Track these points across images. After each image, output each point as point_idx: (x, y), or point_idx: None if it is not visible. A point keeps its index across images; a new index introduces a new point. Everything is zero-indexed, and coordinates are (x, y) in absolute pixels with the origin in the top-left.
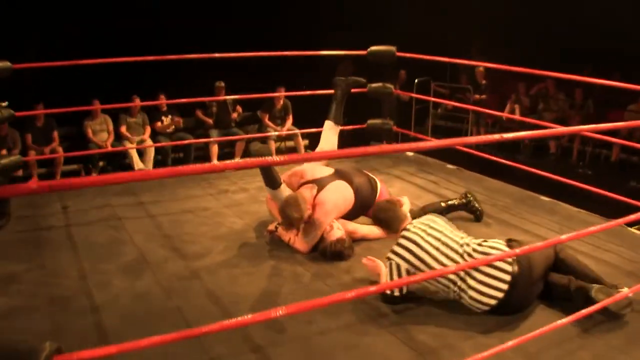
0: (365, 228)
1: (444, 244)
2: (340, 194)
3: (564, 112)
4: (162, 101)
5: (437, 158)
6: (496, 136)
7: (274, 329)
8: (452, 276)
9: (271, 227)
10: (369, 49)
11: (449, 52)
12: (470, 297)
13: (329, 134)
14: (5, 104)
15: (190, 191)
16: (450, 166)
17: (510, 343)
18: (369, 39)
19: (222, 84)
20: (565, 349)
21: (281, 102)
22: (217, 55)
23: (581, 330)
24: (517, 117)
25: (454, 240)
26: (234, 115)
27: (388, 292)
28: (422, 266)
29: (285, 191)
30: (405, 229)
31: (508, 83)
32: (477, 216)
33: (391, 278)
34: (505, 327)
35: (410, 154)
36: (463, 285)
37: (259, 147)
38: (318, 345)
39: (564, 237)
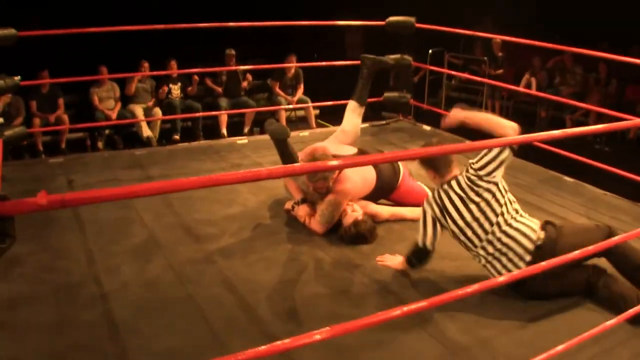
0: (388, 210)
1: (480, 210)
2: (360, 175)
3: (581, 86)
4: (173, 71)
5: (454, 133)
6: (561, 132)
7: (295, 322)
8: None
9: (288, 205)
10: (387, 20)
11: (462, 23)
12: (492, 264)
13: (352, 116)
14: (18, 78)
15: (202, 165)
16: (469, 142)
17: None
18: (382, 8)
19: (233, 52)
20: (602, 345)
21: (292, 70)
22: (230, 24)
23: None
24: (533, 92)
25: (491, 211)
26: (244, 84)
27: (420, 243)
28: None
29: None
30: (448, 184)
31: (524, 56)
32: None
33: (423, 228)
34: (541, 321)
35: (427, 128)
36: (489, 248)
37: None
38: (344, 342)
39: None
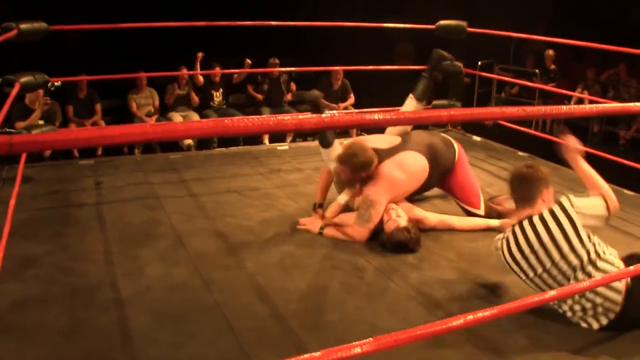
0: (436, 217)
1: (561, 254)
2: (402, 170)
3: (636, 100)
4: (213, 71)
5: (504, 144)
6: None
7: (332, 335)
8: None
9: (303, 221)
10: (437, 23)
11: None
12: (574, 311)
13: (406, 109)
14: (58, 83)
15: (239, 169)
16: (521, 153)
17: None
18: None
19: (277, 61)
20: None
21: (339, 82)
22: (272, 23)
23: None
24: (585, 106)
25: (574, 254)
26: (288, 96)
27: None
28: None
29: (338, 147)
30: (529, 219)
31: (577, 68)
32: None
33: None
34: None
35: (477, 138)
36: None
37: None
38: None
39: None
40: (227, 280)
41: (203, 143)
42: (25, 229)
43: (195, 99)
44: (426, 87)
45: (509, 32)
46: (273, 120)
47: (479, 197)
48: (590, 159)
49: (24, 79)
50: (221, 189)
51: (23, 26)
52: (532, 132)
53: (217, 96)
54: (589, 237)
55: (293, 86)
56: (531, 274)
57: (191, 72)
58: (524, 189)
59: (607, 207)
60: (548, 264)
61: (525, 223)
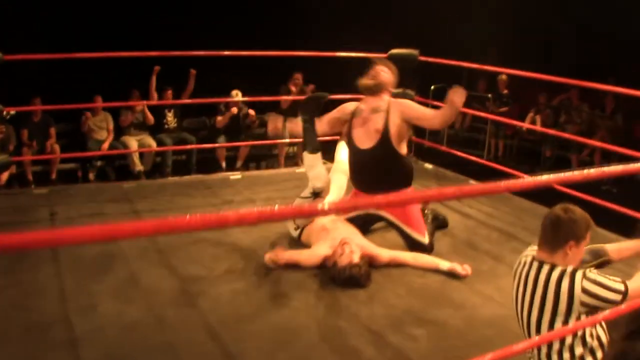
0: (388, 253)
1: None
2: None
3: (588, 124)
4: (167, 101)
5: (456, 171)
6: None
7: None
8: None
9: (271, 255)
10: (389, 52)
11: (466, 58)
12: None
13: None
14: (13, 112)
15: (191, 200)
16: (473, 182)
17: None
18: (383, 40)
19: (239, 95)
20: None
21: (289, 102)
22: (225, 53)
23: None
24: (538, 127)
25: None
26: (251, 120)
27: None
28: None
29: (317, 160)
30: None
31: (529, 93)
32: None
33: None
34: None
35: (429, 166)
36: None
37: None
38: None
39: None
40: (180, 319)
41: (157, 168)
42: None
43: (151, 117)
44: (314, 136)
45: (460, 60)
46: (213, 217)
47: (423, 224)
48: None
49: None
50: None
51: None
52: (484, 162)
53: (170, 117)
54: (578, 318)
55: (251, 114)
56: (518, 309)
57: (143, 102)
58: (552, 232)
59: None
60: (525, 318)
61: (535, 265)
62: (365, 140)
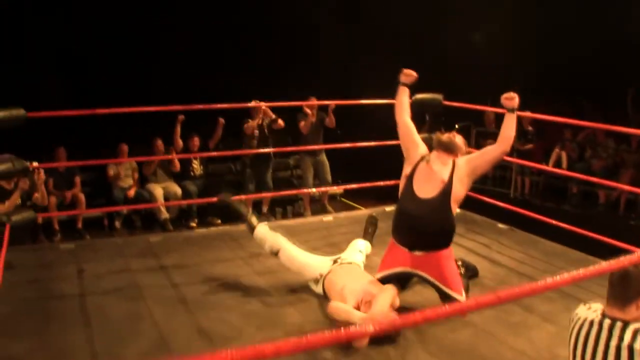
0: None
1: None
2: None
3: (614, 159)
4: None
5: (483, 211)
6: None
7: None
8: None
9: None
10: (414, 97)
11: (489, 94)
12: None
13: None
14: (35, 164)
15: (218, 253)
16: (501, 225)
17: None
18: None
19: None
20: None
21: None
22: (248, 104)
23: None
24: (560, 171)
25: None
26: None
27: None
28: None
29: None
30: None
31: (553, 128)
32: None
33: None
34: None
35: (457, 210)
36: None
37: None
38: None
39: None
40: None
41: (183, 215)
42: (6, 324)
43: (177, 164)
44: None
45: (484, 98)
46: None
47: (460, 281)
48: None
49: (2, 167)
50: (202, 277)
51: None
52: (510, 207)
53: (196, 165)
54: None
55: (280, 121)
56: None
57: (163, 157)
58: (622, 287)
59: None
60: None
61: (606, 323)
62: (428, 189)
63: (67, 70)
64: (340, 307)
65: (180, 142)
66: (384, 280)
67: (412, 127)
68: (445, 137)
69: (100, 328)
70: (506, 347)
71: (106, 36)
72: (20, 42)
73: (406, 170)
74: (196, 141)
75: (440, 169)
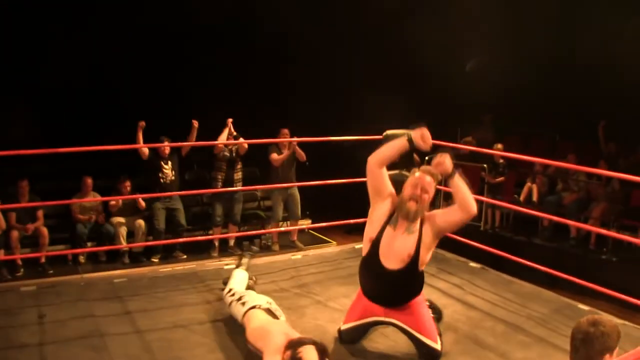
0: None
1: None
2: None
3: (585, 192)
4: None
5: (453, 248)
6: None
7: None
8: None
9: None
10: (385, 133)
11: (460, 123)
12: None
13: None
14: None
15: (185, 296)
16: (473, 264)
17: None
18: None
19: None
20: None
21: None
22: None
23: None
24: (531, 211)
25: None
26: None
27: None
28: None
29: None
30: None
31: (524, 161)
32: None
33: None
34: None
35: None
36: None
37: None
38: None
39: None
40: None
41: (148, 249)
42: None
43: (142, 204)
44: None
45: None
46: None
47: (435, 329)
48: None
49: None
50: (168, 323)
51: None
52: (483, 247)
53: (167, 169)
54: None
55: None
56: None
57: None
58: (585, 349)
59: None
60: None
61: None
62: (393, 261)
63: (33, 105)
64: None
65: (145, 150)
66: (352, 332)
67: (386, 177)
68: (413, 203)
69: None
70: None
71: (71, 68)
72: None
73: (371, 232)
74: (166, 147)
75: (406, 239)
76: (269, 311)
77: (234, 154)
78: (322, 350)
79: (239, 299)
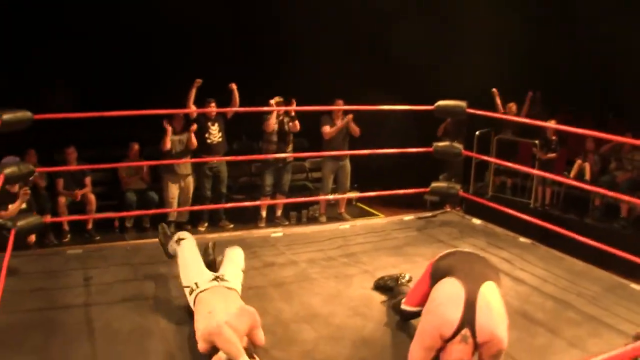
0: None
1: None
2: None
3: (639, 172)
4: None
5: (504, 223)
6: None
7: None
8: None
9: None
10: (436, 104)
11: (514, 98)
12: None
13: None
14: (36, 173)
15: None
16: (522, 239)
17: None
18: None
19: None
20: None
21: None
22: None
23: None
24: (582, 185)
25: None
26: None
27: None
28: None
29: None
30: None
31: (576, 137)
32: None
33: None
34: None
35: (477, 221)
36: None
37: None
38: None
39: None
40: None
41: (193, 218)
42: (7, 336)
43: (194, 142)
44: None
45: (506, 109)
46: None
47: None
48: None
49: (8, 171)
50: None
51: (6, 117)
52: (533, 220)
53: (214, 130)
54: None
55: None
56: None
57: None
58: None
59: None
60: None
61: None
62: None
63: (75, 74)
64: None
65: (193, 108)
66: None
67: None
68: None
69: (105, 344)
70: None
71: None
72: (28, 49)
73: None
74: (213, 107)
75: None
76: (214, 291)
77: (285, 128)
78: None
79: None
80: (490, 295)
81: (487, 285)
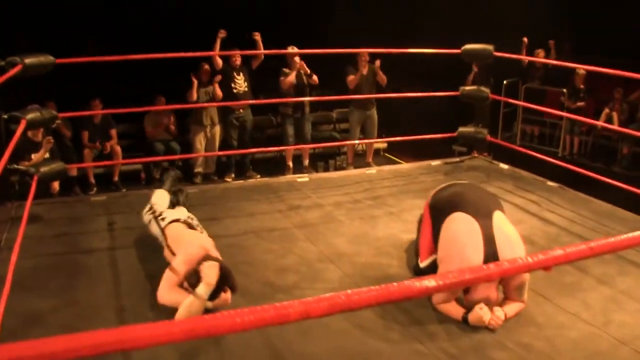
0: None
1: None
2: None
3: None
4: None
5: (531, 169)
6: None
7: None
8: None
9: None
10: (463, 48)
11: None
12: None
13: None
14: (59, 120)
15: (256, 206)
16: (550, 183)
17: None
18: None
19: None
20: None
21: (367, 66)
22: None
23: None
24: (614, 127)
25: None
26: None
27: None
28: None
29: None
30: None
31: (604, 87)
32: None
33: None
34: None
35: (504, 166)
36: None
37: None
38: None
39: None
40: (243, 343)
41: (220, 169)
42: (30, 279)
43: (219, 93)
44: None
45: (534, 56)
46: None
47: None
48: (617, 179)
49: (30, 116)
50: (237, 230)
51: (28, 61)
52: (560, 163)
53: (240, 80)
54: None
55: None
56: None
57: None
58: None
59: None
60: None
61: None
62: None
63: (102, 29)
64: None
65: (219, 60)
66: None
67: None
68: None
69: (128, 285)
70: (558, 310)
71: None
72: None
73: None
74: (238, 57)
75: None
76: (189, 225)
77: (304, 81)
78: (225, 273)
79: (159, 215)
80: (505, 227)
81: (498, 216)
